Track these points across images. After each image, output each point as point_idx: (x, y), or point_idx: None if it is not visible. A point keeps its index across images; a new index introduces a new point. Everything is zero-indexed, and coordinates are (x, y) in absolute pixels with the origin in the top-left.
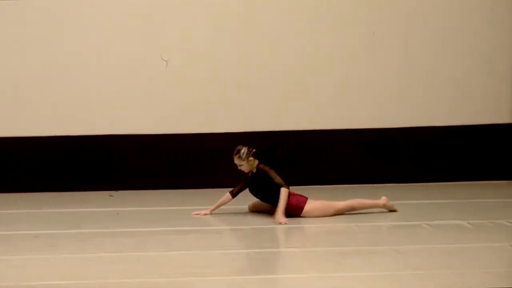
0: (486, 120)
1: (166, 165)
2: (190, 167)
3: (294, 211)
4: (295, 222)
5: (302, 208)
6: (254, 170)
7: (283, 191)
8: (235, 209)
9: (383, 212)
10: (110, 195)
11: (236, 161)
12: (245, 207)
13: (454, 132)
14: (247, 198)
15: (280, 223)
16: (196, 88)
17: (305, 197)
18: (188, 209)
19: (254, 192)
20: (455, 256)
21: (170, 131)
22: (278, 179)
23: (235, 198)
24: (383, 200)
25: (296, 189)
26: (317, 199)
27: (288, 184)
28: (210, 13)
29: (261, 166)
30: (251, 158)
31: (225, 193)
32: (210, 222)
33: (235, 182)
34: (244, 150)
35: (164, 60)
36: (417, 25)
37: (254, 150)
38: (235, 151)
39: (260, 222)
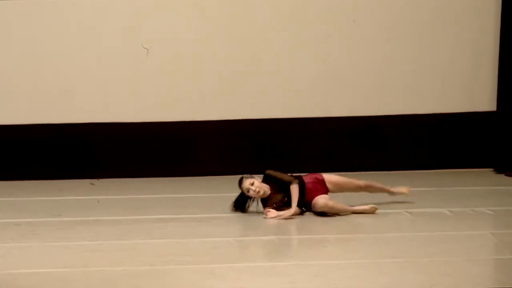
0: (468, 108)
1: (147, 153)
2: (171, 155)
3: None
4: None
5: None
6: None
7: (294, 188)
8: (218, 197)
9: (363, 200)
10: (91, 183)
11: (252, 185)
12: (227, 195)
13: (436, 120)
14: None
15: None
16: (177, 77)
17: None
18: (169, 197)
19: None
20: (435, 244)
21: (151, 119)
22: (286, 177)
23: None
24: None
25: None
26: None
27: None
28: (192, 1)
29: (268, 171)
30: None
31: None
32: (192, 210)
33: (216, 170)
34: (250, 176)
35: (145, 48)
36: (399, 13)
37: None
38: (244, 180)
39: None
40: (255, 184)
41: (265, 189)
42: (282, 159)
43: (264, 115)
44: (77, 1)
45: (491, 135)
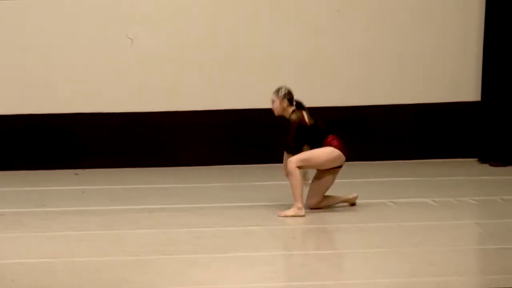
0: (452, 98)
1: (132, 143)
2: (156, 145)
3: None
4: (259, 200)
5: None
6: (287, 116)
7: (285, 155)
8: (202, 187)
9: (348, 190)
10: (76, 174)
11: (272, 96)
12: (211, 185)
13: (420, 110)
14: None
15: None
16: (162, 66)
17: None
18: (154, 187)
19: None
20: (420, 234)
21: (135, 109)
22: (290, 136)
23: None
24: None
25: (267, 167)
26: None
27: (293, 151)
28: None
29: (293, 116)
30: (285, 101)
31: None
32: (177, 200)
33: (202, 160)
34: (284, 89)
35: (129, 38)
36: (384, 4)
37: (296, 101)
38: (273, 93)
39: (226, 201)
40: (274, 104)
41: (280, 113)
42: (267, 149)
43: (249, 105)
44: None
45: (476, 125)
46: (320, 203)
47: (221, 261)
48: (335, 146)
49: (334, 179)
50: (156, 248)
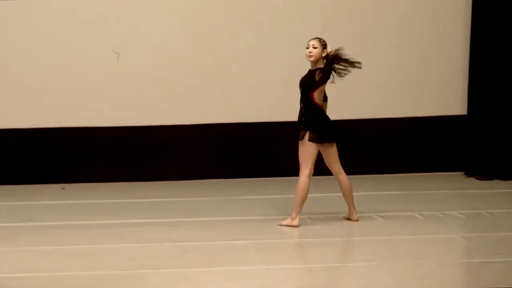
0: (439, 112)
1: (119, 157)
2: (143, 160)
3: None
4: (246, 214)
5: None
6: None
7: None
8: (189, 202)
9: (335, 204)
10: (62, 188)
11: (313, 41)
12: (198, 199)
13: (406, 124)
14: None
15: None
16: (149, 80)
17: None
18: (140, 202)
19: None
20: (406, 247)
21: (124, 123)
22: (318, 89)
23: None
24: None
25: (254, 181)
26: None
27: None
28: (162, 5)
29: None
30: (325, 51)
31: None
32: (164, 214)
33: (189, 174)
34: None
35: (115, 52)
36: (370, 18)
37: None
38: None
39: (213, 215)
40: (314, 50)
41: (316, 60)
42: (255, 164)
43: (238, 119)
44: (48, 5)
45: (462, 138)
46: (341, 181)
47: (208, 275)
48: None
49: (329, 152)
50: (143, 262)
